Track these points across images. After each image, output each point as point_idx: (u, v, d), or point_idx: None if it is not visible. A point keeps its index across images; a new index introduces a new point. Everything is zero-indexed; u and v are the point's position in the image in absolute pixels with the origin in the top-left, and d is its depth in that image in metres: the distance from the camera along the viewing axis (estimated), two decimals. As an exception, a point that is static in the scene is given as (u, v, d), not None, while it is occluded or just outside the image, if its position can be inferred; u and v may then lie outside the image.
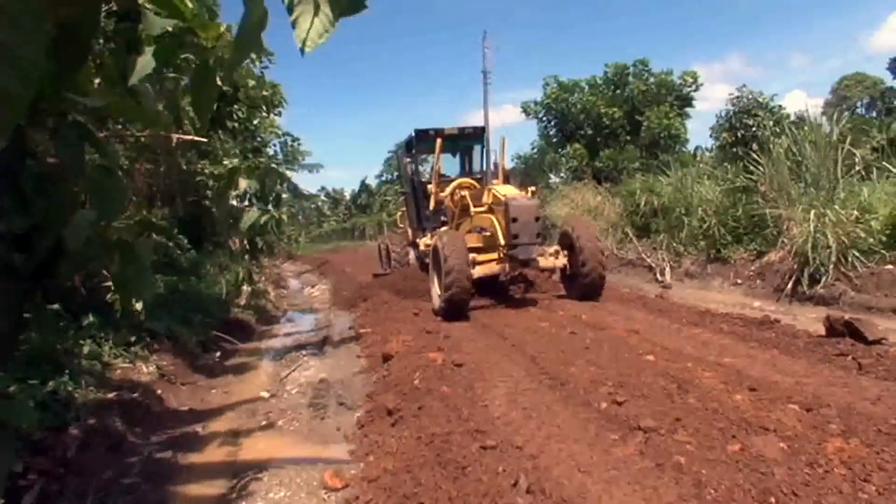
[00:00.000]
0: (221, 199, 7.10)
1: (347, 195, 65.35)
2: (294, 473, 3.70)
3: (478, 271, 7.60)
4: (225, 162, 7.12)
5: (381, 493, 3.03)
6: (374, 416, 4.37)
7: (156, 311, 7.14)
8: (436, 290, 7.87)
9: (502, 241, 7.71)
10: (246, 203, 6.84)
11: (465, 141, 11.94)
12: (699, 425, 3.35)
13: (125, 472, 3.84)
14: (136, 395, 5.12)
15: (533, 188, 8.86)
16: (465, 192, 9.19)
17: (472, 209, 8.57)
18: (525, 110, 25.32)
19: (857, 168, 9.25)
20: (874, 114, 34.43)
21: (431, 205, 10.58)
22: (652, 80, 23.01)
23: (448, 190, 9.93)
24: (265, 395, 5.70)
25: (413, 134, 11.52)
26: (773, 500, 2.57)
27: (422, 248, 11.09)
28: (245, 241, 8.06)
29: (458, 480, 2.91)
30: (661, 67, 24.35)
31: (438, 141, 9.91)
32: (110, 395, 4.91)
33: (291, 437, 4.52)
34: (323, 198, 66.01)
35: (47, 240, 2.10)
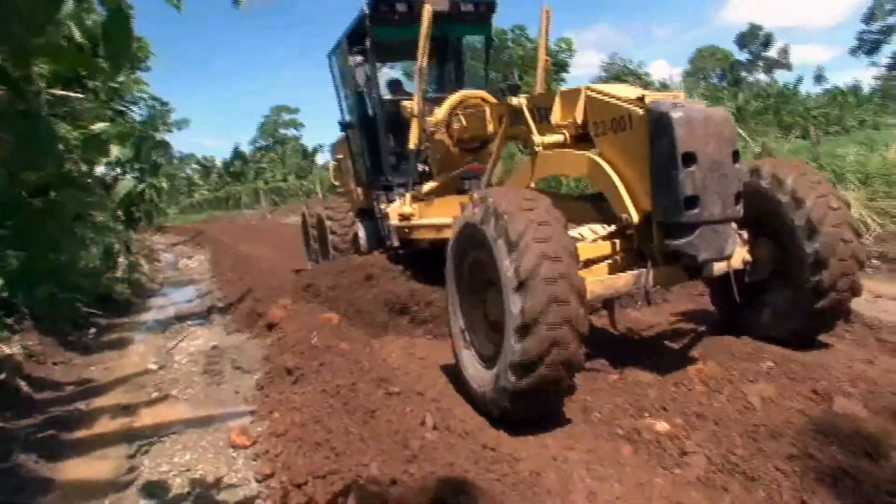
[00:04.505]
0: (89, 166, 6.49)
1: (219, 163, 61.81)
2: (198, 436, 3.64)
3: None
4: (93, 127, 6.51)
5: (292, 445, 3.09)
6: (273, 377, 4.37)
7: (14, 286, 6.50)
8: (469, 352, 3.53)
9: (634, 217, 3.34)
10: (118, 171, 6.37)
11: (459, 26, 6.79)
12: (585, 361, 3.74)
13: (2, 456, 3.56)
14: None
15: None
16: (521, 100, 4.29)
17: (537, 139, 3.96)
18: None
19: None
20: (724, 84, 38.05)
21: (413, 139, 5.90)
22: (530, 45, 23.76)
23: (442, 111, 5.60)
24: (153, 367, 5.46)
25: (365, 11, 6.15)
26: (647, 414, 3.02)
27: (393, 221, 6.29)
28: (120, 212, 7.37)
29: (367, 424, 3.05)
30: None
31: (426, 12, 5.40)
32: (-31, 380, 4.49)
33: (187, 404, 4.40)
34: (193, 165, 62.08)
35: None
